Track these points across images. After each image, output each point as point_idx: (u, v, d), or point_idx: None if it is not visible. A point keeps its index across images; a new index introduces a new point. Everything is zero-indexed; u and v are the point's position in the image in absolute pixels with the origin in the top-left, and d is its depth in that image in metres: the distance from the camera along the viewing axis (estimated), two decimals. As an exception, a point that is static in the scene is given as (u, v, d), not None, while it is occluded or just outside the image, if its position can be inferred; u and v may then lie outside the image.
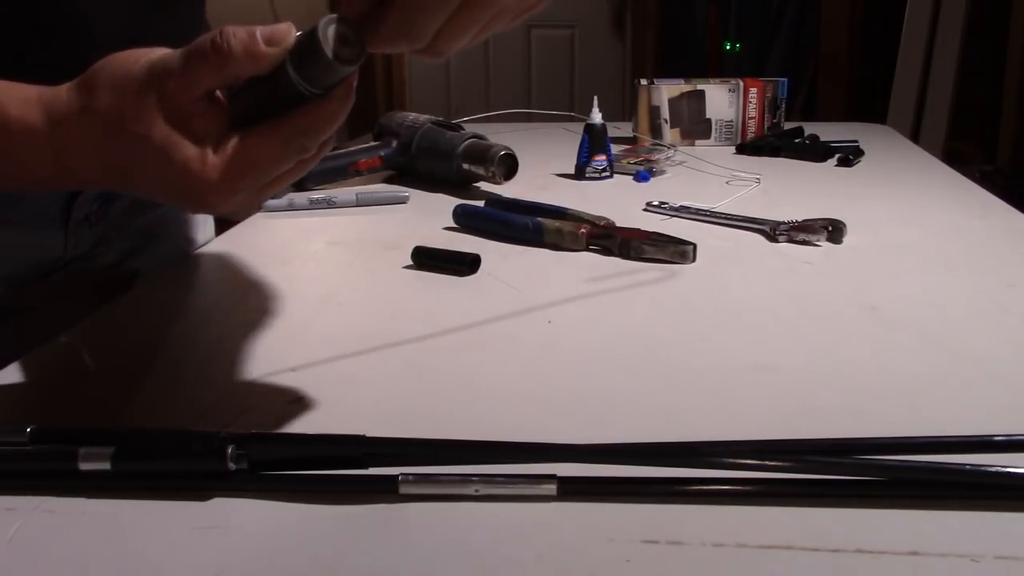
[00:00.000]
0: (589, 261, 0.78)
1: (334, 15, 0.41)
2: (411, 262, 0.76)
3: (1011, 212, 0.91)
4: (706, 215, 0.90)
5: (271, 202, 0.97)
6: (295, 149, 0.44)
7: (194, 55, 0.42)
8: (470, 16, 0.42)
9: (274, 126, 0.43)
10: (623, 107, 3.11)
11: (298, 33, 0.42)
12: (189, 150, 0.42)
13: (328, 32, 0.40)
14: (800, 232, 0.81)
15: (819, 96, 3.37)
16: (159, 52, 0.44)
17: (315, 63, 0.41)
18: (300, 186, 1.02)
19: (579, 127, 1.11)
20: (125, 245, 0.78)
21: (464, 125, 1.12)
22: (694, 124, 1.33)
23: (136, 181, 0.45)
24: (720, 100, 1.32)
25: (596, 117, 1.10)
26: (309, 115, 0.43)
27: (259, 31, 0.41)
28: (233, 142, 0.43)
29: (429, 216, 0.92)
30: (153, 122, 0.42)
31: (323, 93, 0.42)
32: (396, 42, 0.43)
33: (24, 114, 0.45)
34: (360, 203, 0.97)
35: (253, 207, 0.46)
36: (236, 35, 0.41)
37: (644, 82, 1.34)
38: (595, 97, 1.11)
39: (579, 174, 1.10)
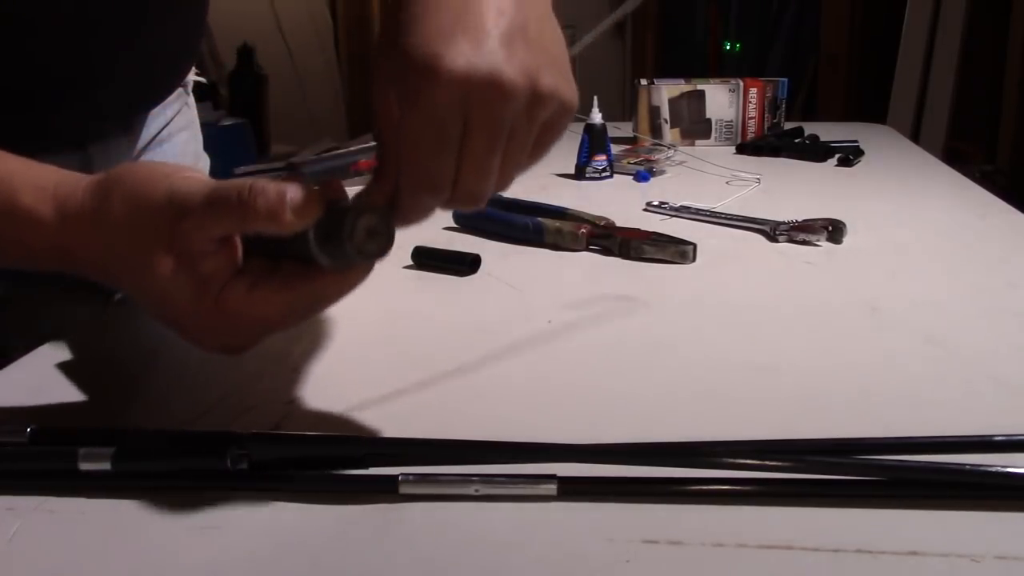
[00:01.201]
0: (589, 261, 0.78)
1: (367, 205, 0.40)
2: (411, 262, 0.76)
3: (1011, 212, 0.91)
4: (706, 215, 0.90)
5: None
6: (301, 313, 0.43)
7: (217, 201, 0.40)
8: (479, 147, 0.40)
9: (284, 288, 0.42)
10: (623, 107, 3.11)
11: (330, 203, 0.40)
12: (189, 292, 0.41)
13: (357, 224, 0.40)
14: (800, 232, 0.81)
15: (819, 96, 3.37)
16: (181, 178, 0.42)
17: (339, 249, 0.40)
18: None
19: (579, 127, 1.11)
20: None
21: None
22: (694, 124, 1.33)
23: (134, 295, 0.44)
24: (720, 100, 1.32)
25: (596, 117, 1.10)
26: (321, 286, 0.42)
27: (289, 195, 0.39)
28: (239, 294, 0.41)
29: (429, 216, 0.92)
30: (160, 256, 0.41)
31: (341, 268, 0.41)
32: (416, 194, 0.41)
33: (36, 204, 0.44)
34: (360, 203, 0.96)
35: (245, 352, 0.45)
36: (264, 194, 0.39)
37: (644, 82, 1.34)
38: (595, 97, 1.11)
39: (579, 174, 1.10)
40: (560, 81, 0.41)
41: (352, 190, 0.43)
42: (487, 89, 0.38)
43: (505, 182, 0.42)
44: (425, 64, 0.38)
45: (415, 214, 0.42)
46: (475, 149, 0.40)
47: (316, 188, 0.40)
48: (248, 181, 0.40)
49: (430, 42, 0.38)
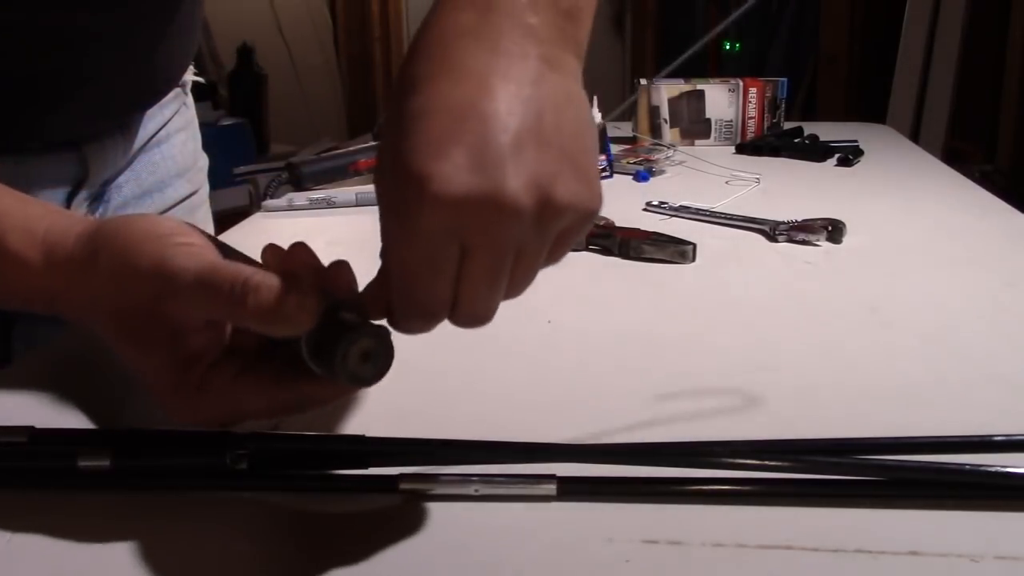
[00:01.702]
0: (589, 261, 0.78)
1: (365, 328, 0.37)
2: (411, 262, 0.76)
3: (1011, 212, 0.91)
4: (706, 215, 0.90)
5: (271, 202, 0.97)
6: (283, 410, 0.41)
7: (208, 287, 0.37)
8: (479, 272, 0.36)
9: (272, 384, 0.40)
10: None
11: (330, 308, 0.37)
12: (170, 367, 0.39)
13: (351, 350, 0.36)
14: (800, 232, 0.81)
15: (819, 96, 3.36)
16: (174, 245, 0.39)
17: (329, 368, 0.37)
18: (300, 186, 1.02)
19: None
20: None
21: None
22: (694, 124, 1.33)
23: (117, 354, 0.42)
24: (720, 100, 1.32)
25: (595, 117, 1.10)
26: (310, 391, 0.40)
27: (284, 301, 0.36)
28: (222, 380, 0.40)
29: (429, 216, 0.92)
30: (142, 327, 0.39)
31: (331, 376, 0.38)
32: (407, 318, 0.37)
33: (23, 248, 0.42)
34: (360, 203, 0.96)
35: (217, 427, 0.42)
36: (257, 293, 0.36)
37: (644, 82, 1.34)
38: (595, 97, 1.11)
39: (579, 174, 1.10)
40: (578, 188, 0.35)
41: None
42: (485, 212, 0.33)
43: (515, 294, 0.38)
44: (413, 184, 0.33)
45: (411, 331, 0.38)
46: (474, 274, 0.36)
47: (314, 296, 0.36)
48: (244, 274, 0.37)
49: (422, 156, 0.33)
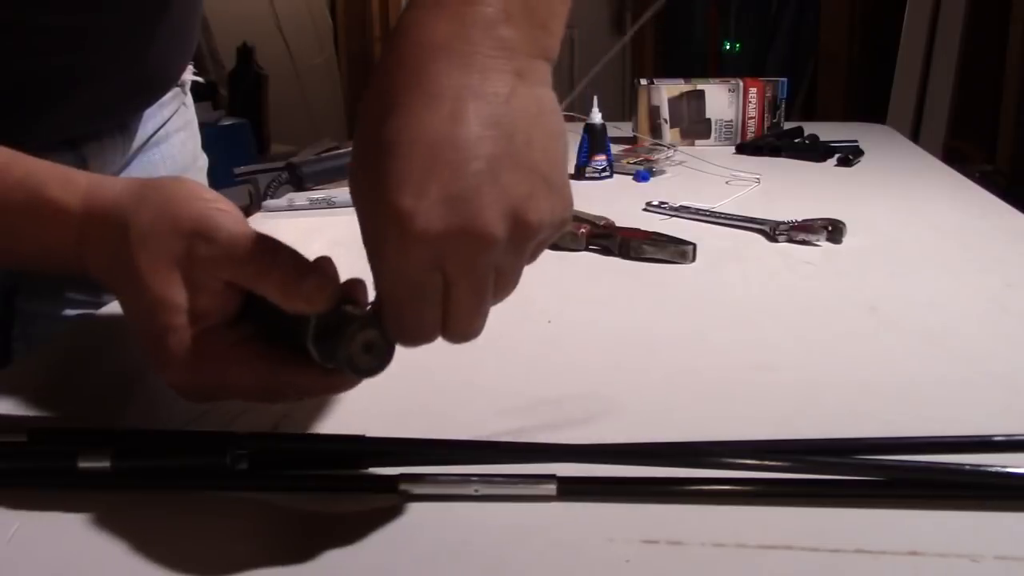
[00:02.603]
0: (589, 261, 0.78)
1: (371, 317, 0.38)
2: (411, 262, 0.76)
3: (1011, 212, 0.91)
4: (706, 215, 0.90)
5: (271, 202, 0.97)
6: (268, 394, 0.41)
7: (239, 248, 0.40)
8: (463, 296, 0.37)
9: (265, 360, 0.41)
10: (623, 107, 3.11)
11: (342, 302, 0.39)
12: (174, 316, 0.40)
13: (356, 336, 0.38)
14: (800, 232, 0.81)
15: (819, 96, 3.37)
16: (216, 209, 0.41)
17: (331, 352, 0.38)
18: (300, 186, 1.02)
19: (579, 127, 1.11)
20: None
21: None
22: (694, 124, 1.33)
23: (125, 302, 0.42)
24: (720, 100, 1.32)
25: (596, 117, 1.10)
26: (302, 378, 0.41)
27: (306, 279, 0.39)
28: (218, 344, 0.40)
29: (429, 216, 0.92)
30: (163, 268, 0.40)
31: (330, 368, 0.40)
32: (401, 340, 0.39)
33: (63, 196, 0.43)
34: (360, 203, 0.96)
35: (197, 402, 0.43)
36: (283, 266, 0.39)
37: (644, 82, 1.34)
38: (595, 97, 1.11)
39: (579, 174, 1.10)
40: (549, 203, 0.37)
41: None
42: (463, 244, 0.35)
43: (499, 301, 0.39)
44: (394, 221, 0.34)
45: (408, 345, 0.39)
46: (459, 299, 0.37)
47: (334, 285, 0.39)
48: (276, 245, 0.40)
49: (402, 192, 0.34)
